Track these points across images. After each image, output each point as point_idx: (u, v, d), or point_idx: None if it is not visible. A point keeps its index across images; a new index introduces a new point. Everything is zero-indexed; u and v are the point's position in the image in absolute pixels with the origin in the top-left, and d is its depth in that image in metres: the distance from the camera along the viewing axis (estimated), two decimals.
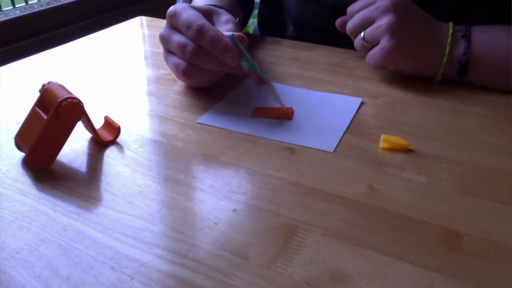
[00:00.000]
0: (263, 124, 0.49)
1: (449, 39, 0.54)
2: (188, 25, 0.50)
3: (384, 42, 0.54)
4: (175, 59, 0.54)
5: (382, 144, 0.44)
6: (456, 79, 0.56)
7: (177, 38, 0.52)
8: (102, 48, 0.72)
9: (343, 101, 0.54)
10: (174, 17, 0.53)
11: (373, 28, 0.55)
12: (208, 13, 0.57)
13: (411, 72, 0.57)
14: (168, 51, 0.55)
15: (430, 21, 0.56)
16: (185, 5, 0.54)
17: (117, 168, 0.42)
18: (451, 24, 0.55)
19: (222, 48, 0.49)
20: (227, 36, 0.50)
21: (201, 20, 0.51)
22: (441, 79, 0.56)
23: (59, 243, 0.34)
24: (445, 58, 0.54)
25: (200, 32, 0.49)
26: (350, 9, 0.59)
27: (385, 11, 0.54)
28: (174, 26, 0.53)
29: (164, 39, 0.54)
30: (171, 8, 0.54)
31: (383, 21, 0.53)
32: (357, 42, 0.58)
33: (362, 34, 0.56)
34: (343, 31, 0.60)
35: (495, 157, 0.43)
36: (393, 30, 0.53)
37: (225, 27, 0.55)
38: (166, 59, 0.56)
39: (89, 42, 0.75)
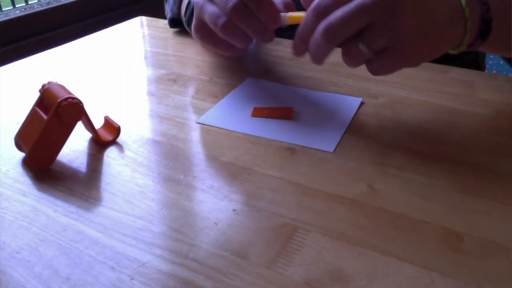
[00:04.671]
0: (263, 124, 0.49)
1: (463, 1, 0.44)
2: None
3: (403, 48, 0.42)
4: (214, 9, 0.49)
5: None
6: (476, 44, 0.46)
7: None
8: (102, 48, 0.72)
9: (343, 101, 0.53)
10: None
11: (378, 31, 0.41)
12: None
13: (432, 59, 0.46)
14: None
15: None
16: None
17: (117, 168, 0.42)
18: None
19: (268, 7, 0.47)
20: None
21: None
22: (465, 48, 0.46)
23: (59, 243, 0.34)
24: (468, 24, 0.44)
25: None
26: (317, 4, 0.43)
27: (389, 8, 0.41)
28: None
29: None
30: None
31: (392, 22, 0.41)
32: (352, 51, 0.44)
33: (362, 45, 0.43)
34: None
35: (495, 157, 0.43)
36: (410, 32, 0.41)
37: None
38: (202, 8, 0.51)
39: (89, 42, 0.75)
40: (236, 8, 0.47)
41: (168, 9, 0.75)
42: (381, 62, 0.43)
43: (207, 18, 0.50)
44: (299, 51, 0.47)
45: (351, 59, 0.44)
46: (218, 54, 0.56)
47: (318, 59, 0.45)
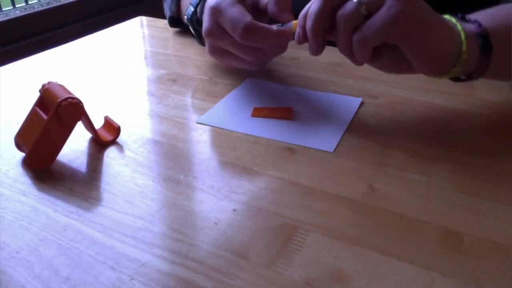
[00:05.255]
0: (263, 124, 0.49)
1: (453, 19, 0.45)
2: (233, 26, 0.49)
3: (391, 2, 0.41)
4: (237, 11, 0.49)
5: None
6: (482, 62, 0.46)
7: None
8: (102, 48, 0.72)
9: (343, 101, 0.53)
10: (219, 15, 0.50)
11: None
12: None
13: (426, 54, 0.44)
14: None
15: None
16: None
17: (117, 168, 0.42)
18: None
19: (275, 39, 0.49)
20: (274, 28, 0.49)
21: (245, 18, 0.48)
22: (466, 58, 0.44)
23: (59, 243, 0.34)
24: (462, 34, 0.44)
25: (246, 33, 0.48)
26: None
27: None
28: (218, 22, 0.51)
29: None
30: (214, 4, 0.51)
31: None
32: (349, 8, 0.43)
33: None
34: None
35: (495, 157, 0.43)
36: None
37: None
38: (222, 12, 0.50)
39: (89, 42, 0.75)
40: (245, 35, 0.48)
41: (166, 8, 0.75)
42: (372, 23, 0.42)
43: (226, 23, 0.50)
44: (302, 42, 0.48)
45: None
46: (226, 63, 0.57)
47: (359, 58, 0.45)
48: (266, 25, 0.49)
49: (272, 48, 0.52)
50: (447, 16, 0.46)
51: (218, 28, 0.51)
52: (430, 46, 0.43)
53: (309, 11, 0.45)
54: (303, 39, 0.47)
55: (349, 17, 0.42)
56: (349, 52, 0.45)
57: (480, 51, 0.45)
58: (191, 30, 0.65)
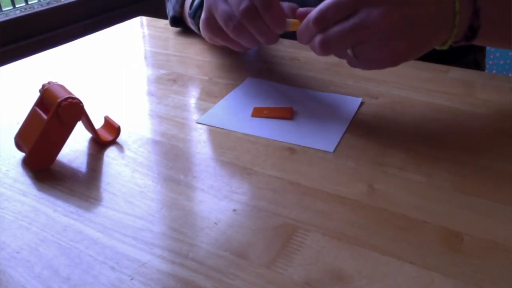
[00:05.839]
0: (263, 124, 0.49)
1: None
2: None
3: (393, 45, 0.43)
4: (226, 8, 0.50)
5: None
6: (467, 36, 0.47)
7: None
8: (102, 48, 0.72)
9: (343, 101, 0.53)
10: None
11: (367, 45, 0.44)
12: None
13: (423, 53, 0.46)
14: None
15: None
16: None
17: (117, 168, 0.42)
18: None
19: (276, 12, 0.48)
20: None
21: None
22: (453, 39, 0.46)
23: (59, 243, 0.34)
24: (457, 17, 0.44)
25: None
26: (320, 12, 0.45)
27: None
28: None
29: None
30: None
31: (374, 18, 0.42)
32: (344, 57, 0.48)
33: (349, 51, 0.46)
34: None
35: (495, 157, 0.43)
36: (395, 29, 0.43)
37: None
38: (214, 4, 0.51)
39: (89, 42, 0.75)
40: (247, 10, 0.48)
41: (170, 7, 0.75)
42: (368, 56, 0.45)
43: (218, 16, 0.51)
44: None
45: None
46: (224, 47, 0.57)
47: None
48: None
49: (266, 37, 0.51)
50: None
51: (213, 18, 0.52)
52: (419, 43, 0.45)
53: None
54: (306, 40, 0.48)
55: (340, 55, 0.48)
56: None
57: (468, 29, 0.46)
58: (194, 26, 0.65)
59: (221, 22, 0.51)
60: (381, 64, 0.47)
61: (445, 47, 0.47)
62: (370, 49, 0.44)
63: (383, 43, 0.43)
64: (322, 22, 0.45)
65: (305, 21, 0.47)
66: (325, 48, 0.45)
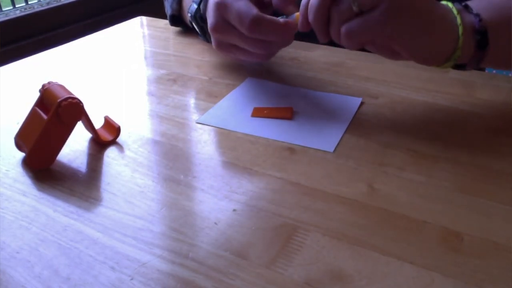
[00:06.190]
0: (263, 124, 0.49)
1: (454, 10, 0.46)
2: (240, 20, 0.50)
3: (385, 4, 0.43)
4: (243, 5, 0.50)
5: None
6: (476, 57, 0.47)
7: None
8: (102, 48, 0.72)
9: (343, 101, 0.53)
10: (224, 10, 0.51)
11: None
12: None
13: (420, 55, 0.47)
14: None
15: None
16: None
17: (117, 168, 0.42)
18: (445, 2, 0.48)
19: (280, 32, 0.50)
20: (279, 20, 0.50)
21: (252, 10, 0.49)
22: (460, 54, 0.46)
23: (59, 243, 0.34)
24: (460, 29, 0.45)
25: (254, 26, 0.49)
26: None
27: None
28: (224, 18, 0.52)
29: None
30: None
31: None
32: (342, 3, 0.45)
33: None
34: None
35: (495, 157, 0.43)
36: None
37: None
38: (228, 6, 0.51)
39: (89, 42, 0.75)
40: (252, 27, 0.49)
41: (167, 6, 0.75)
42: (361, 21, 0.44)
43: (233, 14, 0.51)
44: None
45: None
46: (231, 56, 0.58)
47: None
48: (273, 17, 0.50)
49: (279, 40, 0.52)
50: (449, 5, 0.47)
51: (224, 23, 0.52)
52: (424, 48, 0.46)
53: (310, 3, 0.47)
54: (305, 26, 0.49)
55: (340, 10, 0.45)
56: (340, 42, 0.47)
57: (476, 46, 0.47)
58: (195, 27, 0.65)
59: (235, 21, 0.51)
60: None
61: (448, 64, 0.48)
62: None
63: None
64: None
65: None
66: (352, 41, 0.45)
